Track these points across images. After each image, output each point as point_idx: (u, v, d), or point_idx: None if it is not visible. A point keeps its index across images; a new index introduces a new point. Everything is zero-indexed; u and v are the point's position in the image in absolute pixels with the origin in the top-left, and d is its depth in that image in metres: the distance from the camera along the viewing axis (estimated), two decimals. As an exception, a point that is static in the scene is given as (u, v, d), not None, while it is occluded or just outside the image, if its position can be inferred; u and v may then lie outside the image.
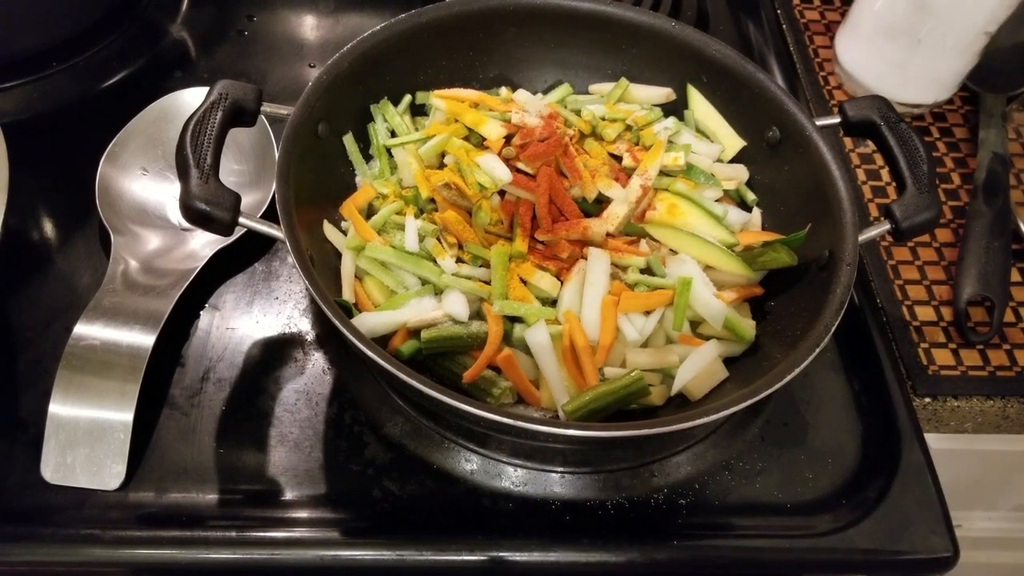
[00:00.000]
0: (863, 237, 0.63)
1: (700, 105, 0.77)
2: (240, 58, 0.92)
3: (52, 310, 0.70)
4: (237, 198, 0.56)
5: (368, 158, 0.75)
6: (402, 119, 0.75)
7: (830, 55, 0.99)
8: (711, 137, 0.77)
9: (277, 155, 0.62)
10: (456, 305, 0.64)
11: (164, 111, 0.79)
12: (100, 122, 0.78)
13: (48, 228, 0.77)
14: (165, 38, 0.94)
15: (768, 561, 0.64)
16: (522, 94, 0.77)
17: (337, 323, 0.55)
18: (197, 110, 0.59)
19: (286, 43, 0.94)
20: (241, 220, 0.57)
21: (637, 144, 0.74)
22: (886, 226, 0.64)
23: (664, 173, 0.72)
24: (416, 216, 0.69)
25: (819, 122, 0.69)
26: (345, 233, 0.70)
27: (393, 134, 0.75)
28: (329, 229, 0.68)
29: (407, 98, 0.77)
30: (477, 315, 0.66)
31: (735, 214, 0.73)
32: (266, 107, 0.63)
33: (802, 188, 0.70)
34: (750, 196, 0.75)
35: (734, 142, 0.76)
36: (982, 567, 1.12)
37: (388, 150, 0.74)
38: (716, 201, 0.73)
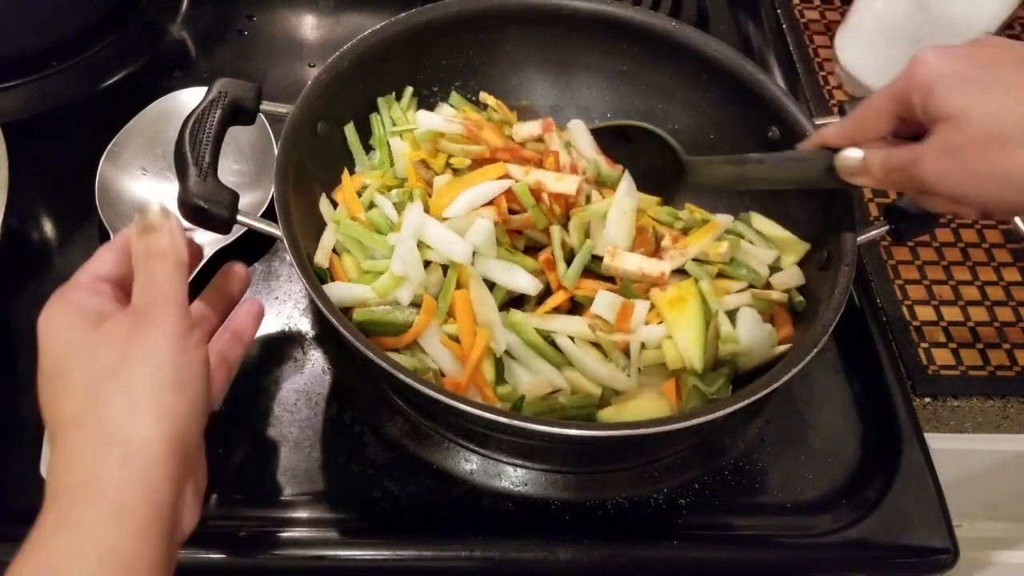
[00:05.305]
0: (863, 238, 0.63)
1: (758, 219, 0.73)
2: (240, 58, 0.92)
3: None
4: (235, 196, 0.56)
5: (369, 149, 0.75)
6: (404, 113, 0.74)
7: (830, 55, 0.98)
8: (770, 241, 0.71)
9: (276, 154, 0.62)
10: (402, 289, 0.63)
11: (164, 111, 0.79)
12: (100, 122, 0.78)
13: (48, 228, 0.77)
14: (165, 38, 0.94)
15: (768, 561, 0.64)
16: (577, 129, 0.74)
17: (338, 325, 0.55)
18: (196, 108, 0.59)
19: (286, 43, 0.94)
20: (239, 218, 0.57)
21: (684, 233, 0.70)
22: (886, 227, 0.64)
23: (700, 261, 0.67)
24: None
25: (819, 122, 0.69)
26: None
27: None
28: (325, 204, 0.69)
29: (408, 90, 0.76)
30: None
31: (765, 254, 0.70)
32: (265, 105, 0.63)
33: (802, 188, 0.69)
34: (797, 298, 0.68)
35: (796, 249, 0.69)
36: (982, 567, 1.12)
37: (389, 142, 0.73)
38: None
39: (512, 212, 0.66)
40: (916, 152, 0.50)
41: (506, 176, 0.66)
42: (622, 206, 0.67)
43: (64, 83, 0.88)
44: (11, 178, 0.67)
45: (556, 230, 0.66)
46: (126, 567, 0.39)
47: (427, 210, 0.65)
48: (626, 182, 0.69)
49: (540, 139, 0.72)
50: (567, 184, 0.66)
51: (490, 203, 0.65)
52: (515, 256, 0.65)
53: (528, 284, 0.63)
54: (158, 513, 0.41)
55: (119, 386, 0.42)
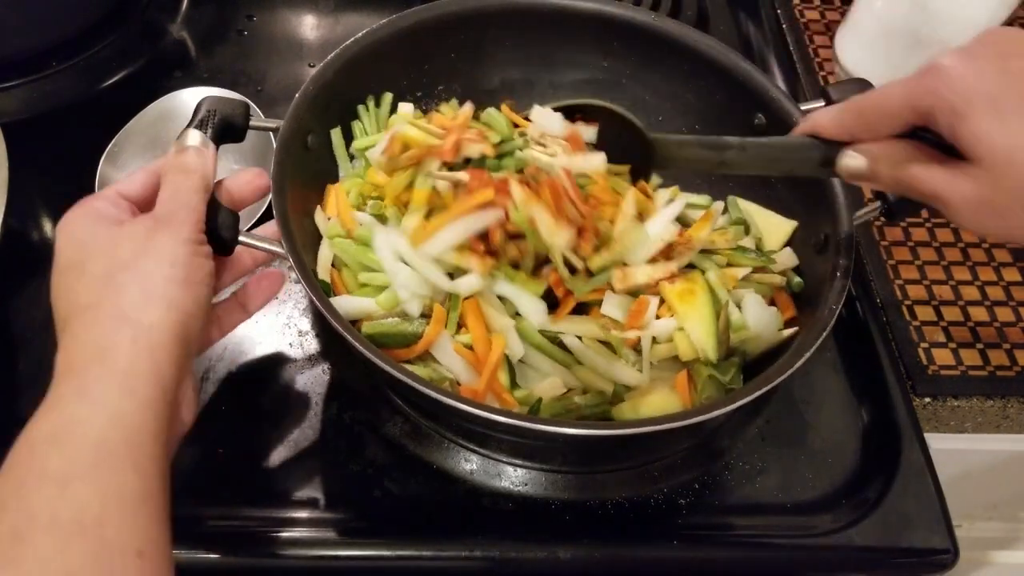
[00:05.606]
0: (857, 222, 0.63)
1: (741, 203, 0.74)
2: (240, 58, 0.92)
3: (52, 310, 0.70)
4: (236, 217, 0.56)
5: (352, 157, 0.73)
6: (376, 121, 0.73)
7: (830, 55, 0.99)
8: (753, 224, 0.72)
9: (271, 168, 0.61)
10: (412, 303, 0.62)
11: (164, 111, 0.79)
12: (100, 122, 0.78)
13: (48, 228, 0.77)
14: (165, 38, 0.94)
15: (768, 561, 0.64)
16: (542, 114, 0.68)
17: (356, 343, 0.54)
18: (186, 129, 0.57)
19: (286, 43, 0.94)
20: (241, 239, 0.55)
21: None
22: (878, 205, 0.64)
23: (706, 250, 0.67)
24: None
25: (804, 107, 0.68)
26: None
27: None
28: (319, 217, 0.68)
29: (388, 96, 0.75)
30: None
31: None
32: (254, 121, 0.61)
33: (788, 177, 0.69)
34: (795, 280, 0.69)
35: (783, 228, 0.70)
36: (982, 567, 1.12)
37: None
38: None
39: (511, 236, 0.61)
40: (944, 192, 0.47)
41: (491, 205, 0.60)
42: (664, 235, 0.65)
43: (64, 83, 0.88)
44: (11, 178, 0.67)
45: (558, 256, 0.61)
46: (131, 432, 0.42)
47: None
48: (674, 209, 0.66)
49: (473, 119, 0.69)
50: (561, 237, 0.60)
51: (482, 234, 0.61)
52: (518, 277, 0.62)
53: (536, 311, 0.61)
54: (163, 389, 0.45)
55: (135, 277, 0.47)
